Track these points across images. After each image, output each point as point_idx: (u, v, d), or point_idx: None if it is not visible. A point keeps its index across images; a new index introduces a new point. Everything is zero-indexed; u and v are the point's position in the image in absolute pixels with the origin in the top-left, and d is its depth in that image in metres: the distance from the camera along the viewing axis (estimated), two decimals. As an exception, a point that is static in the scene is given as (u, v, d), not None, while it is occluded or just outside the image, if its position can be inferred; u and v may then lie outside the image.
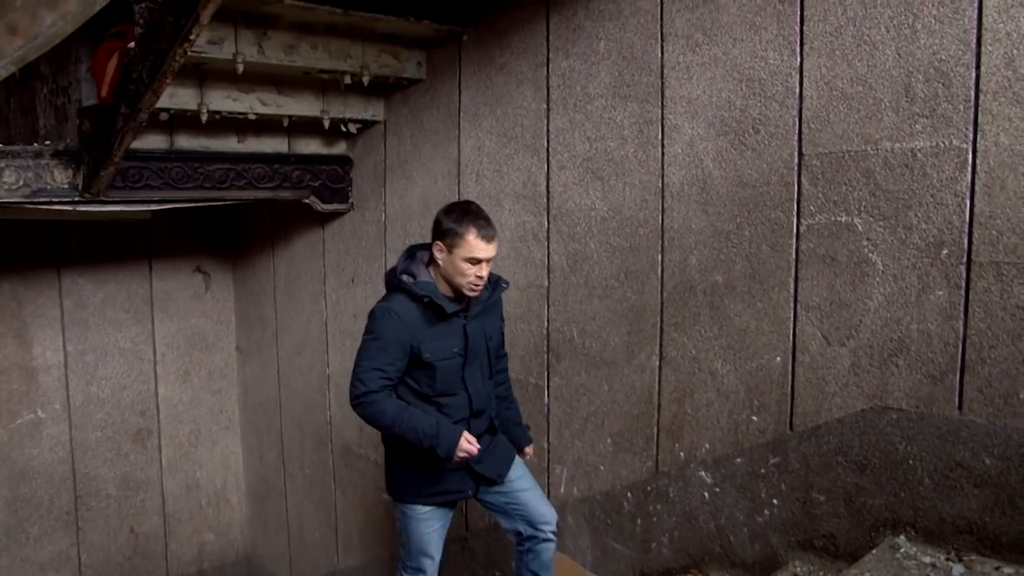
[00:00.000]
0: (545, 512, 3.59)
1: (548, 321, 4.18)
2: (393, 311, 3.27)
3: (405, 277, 3.32)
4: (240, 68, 4.06)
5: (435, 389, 3.32)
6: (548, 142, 4.08)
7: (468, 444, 3.25)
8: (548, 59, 4.06)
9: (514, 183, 4.26)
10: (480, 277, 3.24)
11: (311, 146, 5.23)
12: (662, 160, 3.65)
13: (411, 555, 3.58)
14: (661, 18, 3.61)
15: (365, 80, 4.49)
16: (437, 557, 3.60)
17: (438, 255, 3.27)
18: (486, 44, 4.36)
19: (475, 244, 3.19)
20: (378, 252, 5.17)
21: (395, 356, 3.23)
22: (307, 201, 5.22)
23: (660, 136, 3.65)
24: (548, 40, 4.05)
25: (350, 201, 5.36)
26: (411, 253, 3.43)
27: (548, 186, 4.10)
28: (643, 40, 3.68)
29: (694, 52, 3.51)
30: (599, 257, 3.89)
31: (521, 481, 3.60)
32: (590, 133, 3.90)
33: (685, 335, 3.63)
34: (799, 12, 3.20)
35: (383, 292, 5.04)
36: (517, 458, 3.65)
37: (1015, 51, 2.70)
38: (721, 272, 3.48)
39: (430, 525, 3.52)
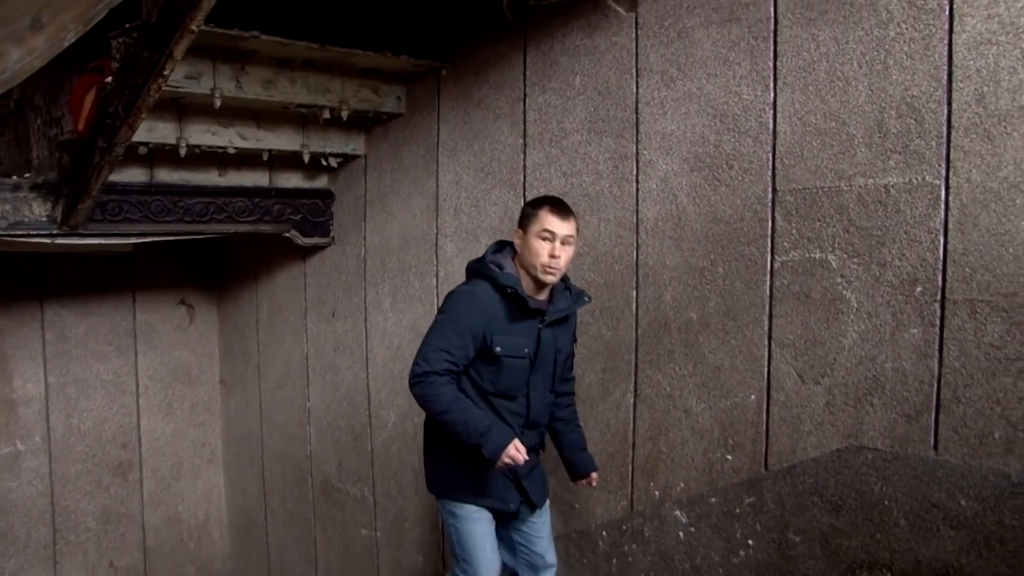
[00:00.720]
0: (550, 565, 3.52)
1: (525, 357, 4.13)
2: (475, 294, 3.19)
3: (492, 266, 3.23)
4: (218, 103, 4.06)
5: (497, 387, 3.20)
6: (525, 177, 4.06)
7: (516, 451, 3.03)
8: (525, 94, 4.05)
9: (491, 218, 4.23)
10: (554, 256, 3.12)
11: (292, 180, 5.21)
12: (637, 195, 3.63)
13: (468, 563, 3.30)
14: (636, 53, 3.61)
15: (344, 115, 4.48)
16: (497, 564, 3.33)
17: (517, 243, 3.22)
18: (464, 79, 4.36)
19: (547, 217, 3.12)
20: (358, 286, 5.14)
21: (466, 341, 3.12)
22: (288, 235, 5.19)
23: (635, 171, 3.63)
24: (525, 75, 4.04)
25: (331, 235, 5.33)
26: (500, 246, 3.35)
27: (524, 221, 4.06)
28: (618, 75, 3.67)
29: (668, 87, 3.50)
30: (574, 293, 3.86)
31: (543, 527, 3.51)
32: (566, 168, 3.89)
33: (660, 372, 3.59)
34: (772, 47, 3.20)
35: (362, 328, 5.09)
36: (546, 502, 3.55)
37: (985, 88, 2.69)
38: (695, 309, 3.45)
39: (484, 527, 3.31)
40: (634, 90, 3.62)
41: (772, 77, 3.20)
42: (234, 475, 6.77)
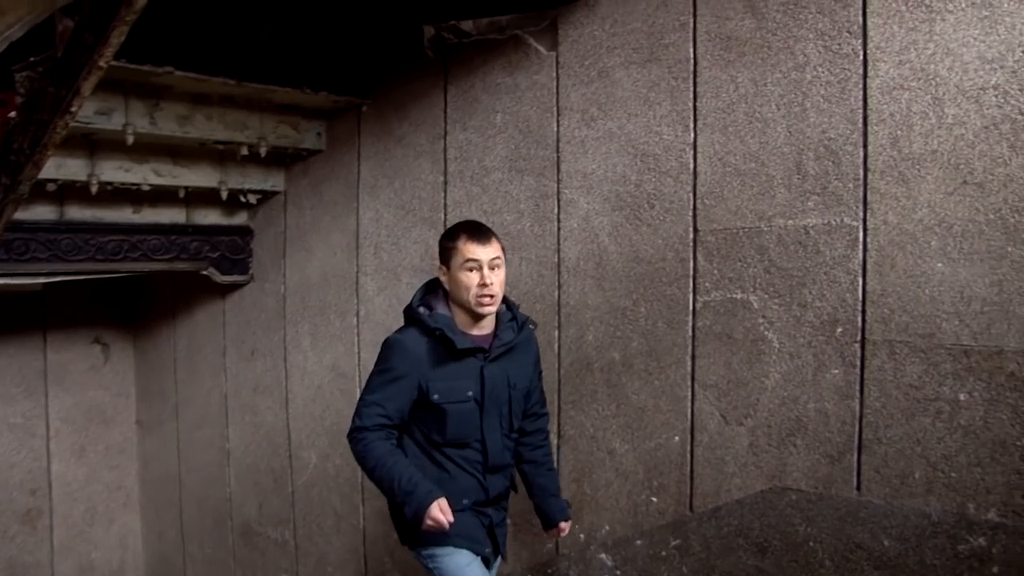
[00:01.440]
0: None
1: (448, 398, 4.06)
2: (403, 343, 2.94)
3: (422, 309, 2.98)
4: (130, 139, 3.94)
5: (446, 437, 2.95)
6: (445, 215, 4.01)
7: (439, 514, 2.75)
8: (446, 131, 4.01)
9: (412, 256, 4.17)
10: (484, 285, 2.89)
11: (210, 217, 5.08)
12: (558, 235, 3.60)
13: None
14: (557, 92, 3.59)
15: (262, 151, 4.40)
16: None
17: (443, 280, 3.00)
18: (385, 115, 4.30)
19: (466, 246, 2.91)
20: (278, 325, 5.03)
21: (398, 392, 2.90)
22: (205, 273, 5.07)
23: (556, 210, 3.61)
24: (446, 112, 4.01)
25: (250, 272, 5.21)
26: (431, 286, 3.10)
27: (446, 260, 4.01)
28: (539, 113, 3.65)
29: (589, 126, 3.49)
30: (497, 333, 3.81)
31: None
32: (487, 207, 3.85)
33: (583, 413, 3.55)
34: (692, 88, 3.20)
35: (282, 367, 4.97)
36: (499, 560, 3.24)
37: (899, 132, 2.72)
38: (618, 349, 3.42)
39: (467, 557, 2.98)
40: (555, 129, 3.61)
41: (692, 118, 3.20)
42: (151, 519, 6.55)
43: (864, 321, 2.84)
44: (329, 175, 4.66)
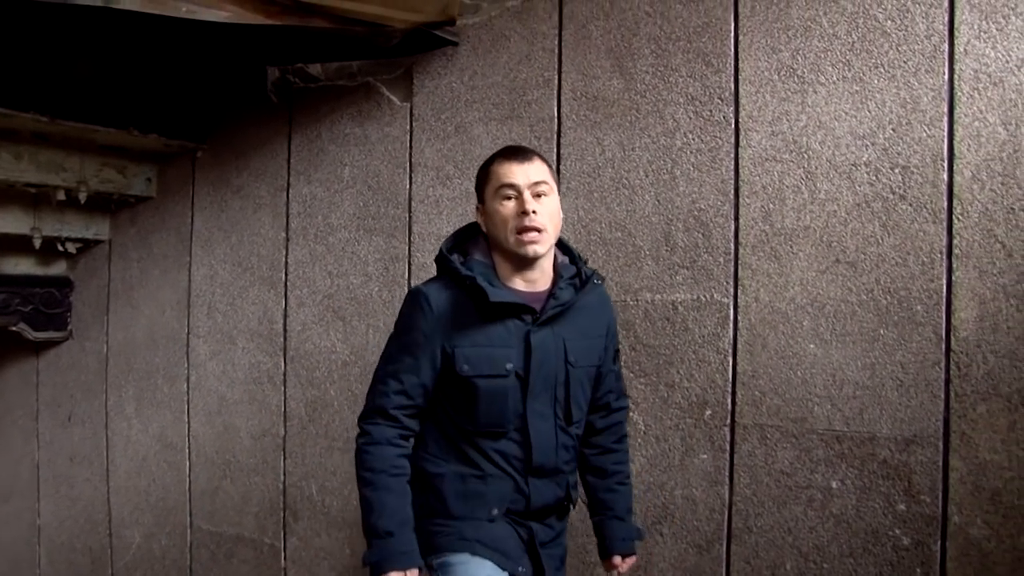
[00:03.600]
0: None
1: (285, 475, 3.75)
2: (425, 294, 2.26)
3: (455, 255, 2.32)
4: (-84, 179, 3.49)
5: (479, 423, 2.26)
6: (286, 275, 3.73)
7: None
8: (289, 183, 3.74)
9: (249, 319, 3.86)
10: (525, 214, 2.19)
11: (21, 266, 4.60)
12: (409, 302, 3.35)
13: None
14: (410, 146, 3.37)
15: (82, 197, 3.99)
16: None
17: (481, 221, 2.33)
18: (223, 163, 3.99)
19: (501, 169, 2.26)
20: (99, 388, 4.58)
21: (419, 362, 2.24)
22: (15, 328, 4.57)
23: (407, 275, 3.39)
24: (289, 163, 3.73)
25: (69, 329, 4.75)
26: (471, 230, 2.42)
27: (286, 324, 3.73)
28: (390, 169, 3.42)
29: (444, 185, 3.28)
30: (340, 406, 3.54)
31: None
32: (332, 268, 3.58)
33: (435, 498, 3.29)
34: (555, 149, 3.05)
35: (103, 435, 4.53)
36: None
37: (771, 205, 2.62)
38: (474, 428, 3.19)
39: (487, 570, 2.27)
40: (407, 186, 3.38)
41: (555, 180, 3.01)
42: (-55, 603, 5.91)
43: (734, 403, 2.71)
44: (160, 225, 4.29)
